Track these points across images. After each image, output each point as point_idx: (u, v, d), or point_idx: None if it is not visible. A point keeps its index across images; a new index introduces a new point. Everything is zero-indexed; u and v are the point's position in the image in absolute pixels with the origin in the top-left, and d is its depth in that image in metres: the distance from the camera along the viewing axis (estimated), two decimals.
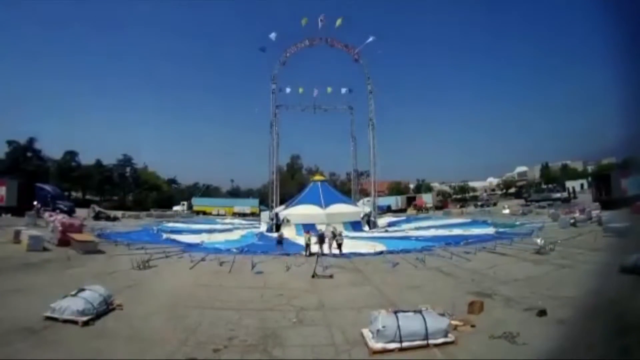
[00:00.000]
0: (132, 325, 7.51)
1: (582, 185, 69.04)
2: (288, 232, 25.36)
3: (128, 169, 67.70)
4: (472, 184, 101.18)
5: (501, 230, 24.27)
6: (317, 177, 34.33)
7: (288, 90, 33.09)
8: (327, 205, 30.10)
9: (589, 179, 60.91)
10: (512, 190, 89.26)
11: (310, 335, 7.10)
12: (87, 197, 61.95)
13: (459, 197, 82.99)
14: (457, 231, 25.10)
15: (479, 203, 63.71)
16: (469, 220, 34.21)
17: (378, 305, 7.88)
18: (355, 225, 29.36)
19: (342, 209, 30.66)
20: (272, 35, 31.82)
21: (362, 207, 33.60)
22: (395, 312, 6.73)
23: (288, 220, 28.76)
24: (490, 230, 24.30)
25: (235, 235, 26.51)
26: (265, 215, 32.08)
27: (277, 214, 29.72)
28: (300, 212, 29.83)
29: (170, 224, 33.72)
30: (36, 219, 24.45)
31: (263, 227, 30.16)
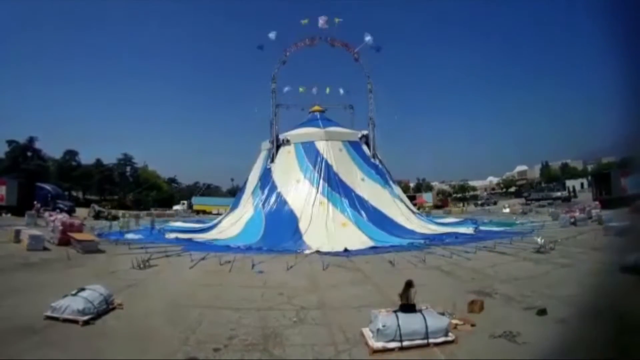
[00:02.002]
0: (133, 325, 7.52)
1: (582, 184, 69.11)
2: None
3: (128, 168, 67.72)
4: (472, 183, 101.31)
5: (485, 229, 24.16)
6: (316, 108, 33.89)
7: (286, 89, 33.14)
8: (325, 126, 30.23)
9: (589, 177, 60.89)
10: (512, 189, 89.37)
11: (311, 334, 7.11)
12: (87, 196, 61.94)
13: (459, 197, 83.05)
14: (443, 229, 24.89)
15: (479, 202, 63.82)
16: (461, 219, 33.97)
17: (378, 304, 7.89)
18: (355, 146, 29.12)
19: (341, 129, 30.89)
20: (272, 35, 31.74)
21: None
22: (395, 312, 6.74)
23: (288, 141, 28.88)
24: (470, 230, 23.92)
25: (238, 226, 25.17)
26: (265, 144, 30.92)
27: (277, 136, 29.46)
28: (299, 132, 30.02)
29: (174, 224, 33.60)
30: (36, 218, 24.47)
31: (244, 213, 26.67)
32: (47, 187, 37.75)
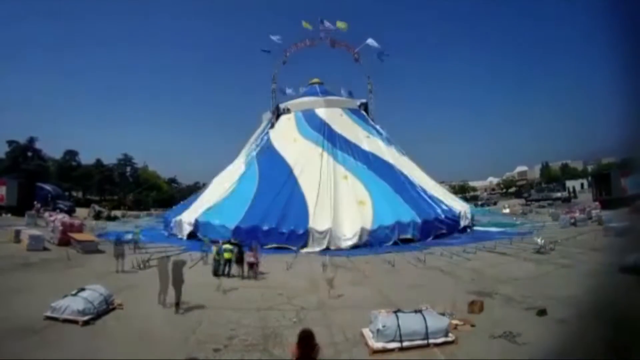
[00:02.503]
0: (133, 325, 7.51)
1: (582, 185, 68.97)
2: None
3: (128, 169, 67.63)
4: (472, 183, 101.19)
5: (483, 229, 24.01)
6: (315, 81, 34.31)
7: (289, 90, 33.22)
8: (324, 95, 30.85)
9: (589, 178, 60.84)
10: (512, 189, 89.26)
11: None
12: (88, 196, 61.86)
13: (459, 197, 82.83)
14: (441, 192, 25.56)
15: (479, 203, 63.62)
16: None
17: (378, 305, 7.89)
18: (355, 112, 29.86)
19: (340, 97, 31.64)
20: (275, 38, 32.15)
21: None
22: (396, 312, 6.73)
23: (288, 110, 29.47)
24: (465, 208, 24.30)
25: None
26: (266, 115, 31.36)
27: (278, 106, 30.02)
28: (299, 101, 30.61)
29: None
30: (36, 218, 24.42)
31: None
32: (47, 187, 37.69)
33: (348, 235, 18.13)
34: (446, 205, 22.96)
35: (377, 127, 29.50)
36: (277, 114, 29.32)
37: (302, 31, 32.90)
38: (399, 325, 6.35)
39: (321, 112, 27.81)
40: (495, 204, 57.90)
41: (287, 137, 26.38)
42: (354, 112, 29.51)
